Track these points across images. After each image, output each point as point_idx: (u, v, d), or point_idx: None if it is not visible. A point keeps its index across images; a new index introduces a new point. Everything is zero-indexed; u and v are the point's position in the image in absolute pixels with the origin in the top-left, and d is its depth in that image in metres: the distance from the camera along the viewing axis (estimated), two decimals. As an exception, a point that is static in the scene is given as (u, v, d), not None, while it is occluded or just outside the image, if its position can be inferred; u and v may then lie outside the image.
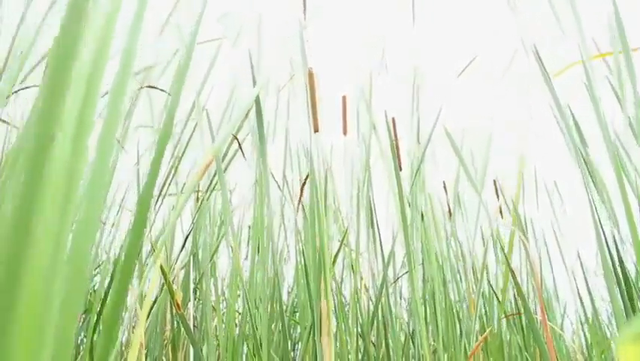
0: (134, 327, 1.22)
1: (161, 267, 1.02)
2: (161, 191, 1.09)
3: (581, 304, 1.49)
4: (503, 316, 1.21)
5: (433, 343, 1.30)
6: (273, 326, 1.15)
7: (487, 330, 1.21)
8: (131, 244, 0.32)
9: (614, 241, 0.82)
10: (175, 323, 1.19)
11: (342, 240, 1.04)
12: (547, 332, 0.77)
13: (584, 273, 1.50)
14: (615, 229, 0.77)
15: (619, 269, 0.82)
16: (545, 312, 1.38)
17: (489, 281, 1.41)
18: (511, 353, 1.34)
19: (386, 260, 1.22)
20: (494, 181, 1.58)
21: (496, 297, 1.35)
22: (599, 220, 0.81)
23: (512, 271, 0.91)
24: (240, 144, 0.86)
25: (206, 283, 0.95)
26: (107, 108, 0.32)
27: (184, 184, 1.16)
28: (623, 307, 0.83)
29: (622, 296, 0.78)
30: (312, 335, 1.06)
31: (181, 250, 1.25)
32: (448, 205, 1.54)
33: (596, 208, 0.81)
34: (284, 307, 1.14)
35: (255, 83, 0.73)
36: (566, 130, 0.86)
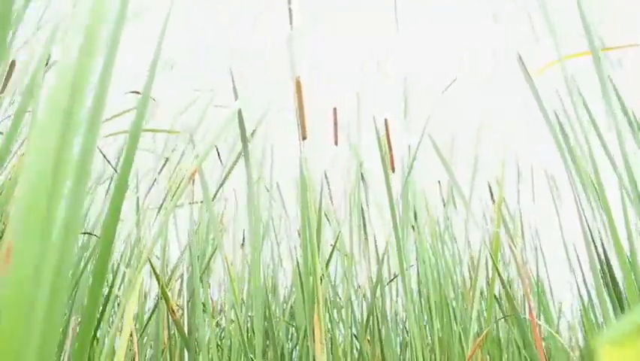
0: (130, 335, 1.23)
1: (157, 275, 1.04)
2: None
3: (579, 299, 1.50)
4: (500, 318, 1.21)
5: (429, 342, 1.31)
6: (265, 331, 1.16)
7: (484, 332, 1.22)
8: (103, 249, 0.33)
9: (601, 240, 0.83)
10: (171, 329, 1.20)
11: (335, 244, 1.05)
12: (536, 333, 0.78)
13: (581, 268, 1.50)
14: (601, 226, 0.78)
15: (606, 270, 0.83)
16: (537, 312, 1.38)
17: (487, 281, 1.41)
18: (509, 351, 1.35)
19: (380, 261, 1.23)
20: (488, 183, 1.58)
21: (493, 295, 1.35)
22: (586, 220, 0.82)
23: (501, 277, 0.92)
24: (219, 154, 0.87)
25: (203, 291, 0.96)
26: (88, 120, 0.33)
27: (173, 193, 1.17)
28: (611, 307, 0.84)
29: (610, 297, 0.79)
30: (306, 339, 1.07)
31: (179, 259, 1.26)
32: (443, 202, 1.55)
33: (582, 210, 0.82)
34: (278, 312, 1.15)
35: (236, 96, 0.74)
36: (552, 131, 0.87)
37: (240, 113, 0.69)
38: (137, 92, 1.39)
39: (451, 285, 1.31)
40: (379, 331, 1.17)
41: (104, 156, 1.08)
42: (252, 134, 0.85)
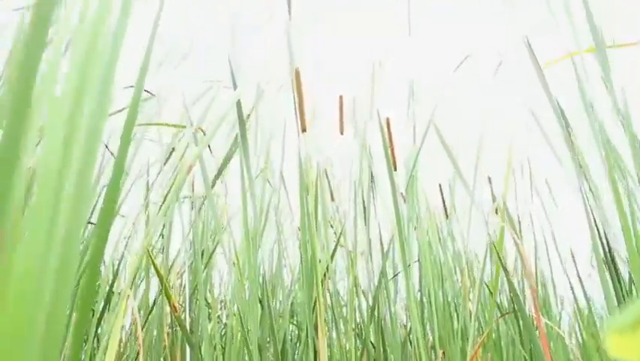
0: (134, 333, 1.23)
1: (158, 271, 1.03)
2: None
3: (574, 299, 1.50)
4: (499, 316, 1.21)
5: (430, 340, 1.30)
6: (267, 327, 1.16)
7: (485, 332, 1.21)
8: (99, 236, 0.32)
9: (606, 236, 0.82)
10: (173, 326, 1.20)
11: (338, 241, 1.05)
12: (542, 331, 0.77)
13: (576, 268, 1.50)
14: (606, 223, 0.78)
15: (612, 266, 0.82)
16: (540, 310, 1.38)
17: (484, 281, 1.41)
18: (509, 350, 1.35)
19: (383, 259, 1.23)
20: (489, 178, 1.58)
21: (491, 292, 1.35)
22: (593, 216, 0.81)
23: (506, 270, 0.91)
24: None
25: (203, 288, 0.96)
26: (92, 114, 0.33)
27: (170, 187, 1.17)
28: (615, 301, 0.84)
29: (615, 291, 0.78)
30: (308, 337, 1.07)
31: (176, 256, 1.26)
32: (444, 204, 1.54)
33: (589, 206, 0.82)
34: (278, 310, 1.14)
35: (235, 86, 0.74)
36: (558, 124, 0.87)
37: (238, 101, 0.69)
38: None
39: (452, 283, 1.30)
40: (382, 328, 1.17)
41: (107, 147, 1.08)
42: (248, 117, 0.85)
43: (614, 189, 0.75)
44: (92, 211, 1.23)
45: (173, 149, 1.13)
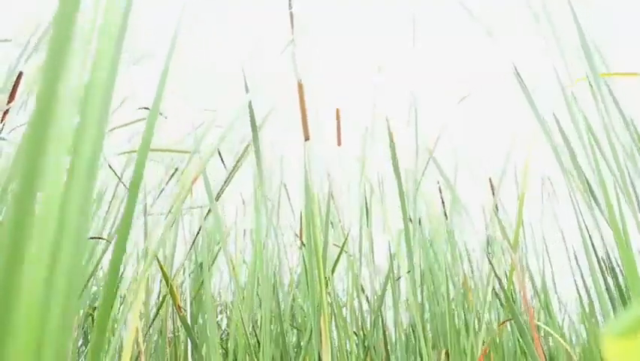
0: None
1: (164, 273, 1.05)
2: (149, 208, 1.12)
3: (579, 300, 1.51)
4: (502, 322, 1.22)
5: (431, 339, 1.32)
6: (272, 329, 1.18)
7: (489, 339, 1.22)
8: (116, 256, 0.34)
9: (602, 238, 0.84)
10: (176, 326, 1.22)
11: (342, 247, 1.07)
12: (535, 336, 0.79)
13: (580, 270, 1.51)
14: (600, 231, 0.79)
15: (609, 277, 0.84)
16: (538, 310, 1.39)
17: (494, 288, 1.42)
18: (510, 349, 1.36)
19: (390, 261, 1.24)
20: (489, 180, 1.59)
21: (499, 300, 1.36)
22: (585, 225, 0.83)
23: (504, 290, 0.92)
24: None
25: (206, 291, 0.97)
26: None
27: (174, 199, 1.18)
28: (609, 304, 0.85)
29: (610, 298, 0.80)
30: (310, 340, 1.09)
31: (184, 262, 1.28)
32: (443, 205, 1.56)
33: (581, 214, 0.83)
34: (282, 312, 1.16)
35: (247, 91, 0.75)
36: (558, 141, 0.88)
37: (250, 104, 0.71)
38: (147, 108, 1.41)
39: (453, 286, 1.32)
40: (384, 332, 1.18)
41: (110, 167, 1.10)
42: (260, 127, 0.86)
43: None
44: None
45: (176, 169, 1.15)
